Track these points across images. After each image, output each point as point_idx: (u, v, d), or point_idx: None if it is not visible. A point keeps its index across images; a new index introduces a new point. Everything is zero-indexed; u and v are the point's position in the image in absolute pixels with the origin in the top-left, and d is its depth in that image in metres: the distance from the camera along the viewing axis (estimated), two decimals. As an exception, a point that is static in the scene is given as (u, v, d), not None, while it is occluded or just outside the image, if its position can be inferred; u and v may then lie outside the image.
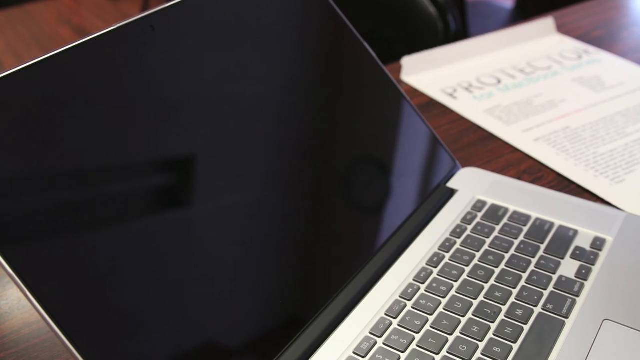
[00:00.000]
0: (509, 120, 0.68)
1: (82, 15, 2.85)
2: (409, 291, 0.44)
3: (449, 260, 0.47)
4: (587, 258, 0.46)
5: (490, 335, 0.41)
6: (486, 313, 0.42)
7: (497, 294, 0.44)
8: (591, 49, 0.83)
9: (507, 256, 0.47)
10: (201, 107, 0.43)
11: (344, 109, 0.52)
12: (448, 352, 0.40)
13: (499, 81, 0.76)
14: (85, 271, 0.35)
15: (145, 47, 0.41)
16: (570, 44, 0.84)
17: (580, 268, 0.46)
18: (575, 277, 0.45)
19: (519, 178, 0.59)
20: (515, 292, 0.44)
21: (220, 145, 0.43)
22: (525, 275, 0.45)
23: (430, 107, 0.72)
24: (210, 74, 0.44)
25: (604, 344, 0.40)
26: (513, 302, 0.43)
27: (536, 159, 0.62)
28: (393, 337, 0.41)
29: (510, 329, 0.41)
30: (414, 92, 0.74)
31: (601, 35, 0.87)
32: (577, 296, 0.43)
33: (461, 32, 1.01)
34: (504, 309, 0.43)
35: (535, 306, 0.43)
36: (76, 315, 0.34)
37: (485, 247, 0.48)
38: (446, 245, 0.48)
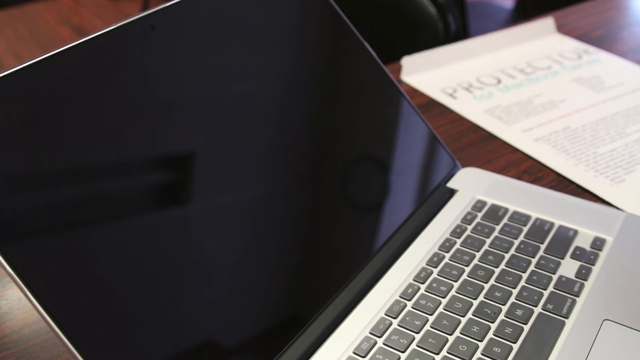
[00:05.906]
0: (509, 120, 0.68)
1: (82, 15, 2.85)
2: (409, 291, 0.44)
3: (449, 260, 0.47)
4: (587, 258, 0.46)
5: (490, 335, 0.41)
6: (486, 313, 0.42)
7: (497, 294, 0.44)
8: (591, 49, 0.83)
9: (507, 256, 0.47)
10: (201, 105, 0.43)
11: (344, 108, 0.52)
12: (448, 352, 0.40)
13: (499, 81, 0.76)
14: (85, 271, 0.35)
15: (145, 46, 0.41)
16: (570, 44, 0.84)
17: (580, 268, 0.46)
18: (575, 277, 0.45)
19: (519, 178, 0.59)
20: (515, 292, 0.44)
21: (220, 143, 0.43)
22: (525, 275, 0.45)
23: (430, 107, 0.72)
24: (211, 73, 0.44)
25: (604, 344, 0.40)
26: (513, 302, 0.43)
27: (536, 159, 0.62)
28: (393, 337, 0.41)
29: (510, 329, 0.41)
30: (414, 92, 0.74)
31: (601, 35, 0.87)
32: (577, 296, 0.43)
33: (461, 32, 1.01)
34: (504, 309, 0.43)
35: (535, 306, 0.43)
36: (76, 315, 0.34)
37: (485, 247, 0.48)
38: (446, 245, 0.48)
